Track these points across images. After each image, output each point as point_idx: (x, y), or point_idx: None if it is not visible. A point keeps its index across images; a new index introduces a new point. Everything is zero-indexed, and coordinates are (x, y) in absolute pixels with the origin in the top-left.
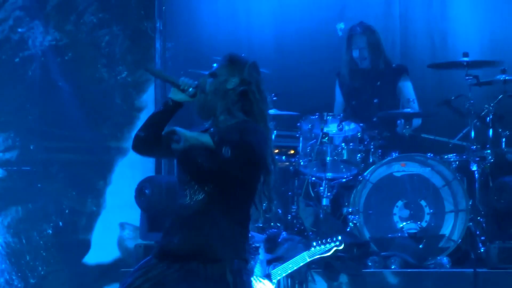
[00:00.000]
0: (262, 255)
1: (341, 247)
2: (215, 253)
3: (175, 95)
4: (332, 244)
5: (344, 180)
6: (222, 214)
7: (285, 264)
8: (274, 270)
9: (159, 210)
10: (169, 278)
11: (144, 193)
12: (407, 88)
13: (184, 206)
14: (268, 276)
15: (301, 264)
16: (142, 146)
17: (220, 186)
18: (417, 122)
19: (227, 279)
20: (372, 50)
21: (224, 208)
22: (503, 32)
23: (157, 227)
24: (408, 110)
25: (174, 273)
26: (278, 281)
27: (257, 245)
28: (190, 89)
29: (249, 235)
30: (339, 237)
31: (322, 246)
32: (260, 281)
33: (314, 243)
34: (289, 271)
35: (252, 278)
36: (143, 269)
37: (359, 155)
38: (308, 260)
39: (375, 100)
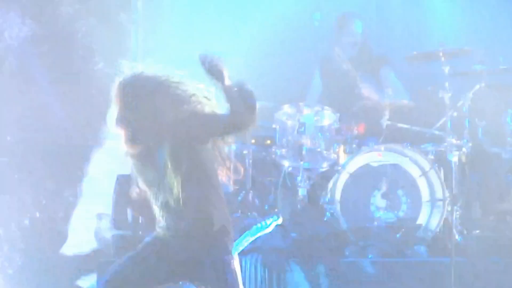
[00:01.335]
0: None
1: (279, 221)
2: (199, 246)
3: None
4: (271, 219)
5: (321, 170)
6: (195, 206)
7: None
8: None
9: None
10: (159, 273)
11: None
12: (388, 77)
13: (169, 203)
14: None
15: (245, 244)
16: None
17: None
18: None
19: (217, 266)
20: (364, 38)
21: (195, 200)
22: (480, 20)
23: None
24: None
25: (162, 267)
26: (256, 272)
27: None
28: None
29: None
30: (277, 213)
31: (262, 223)
32: None
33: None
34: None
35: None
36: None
37: (336, 145)
38: (251, 238)
39: (356, 90)
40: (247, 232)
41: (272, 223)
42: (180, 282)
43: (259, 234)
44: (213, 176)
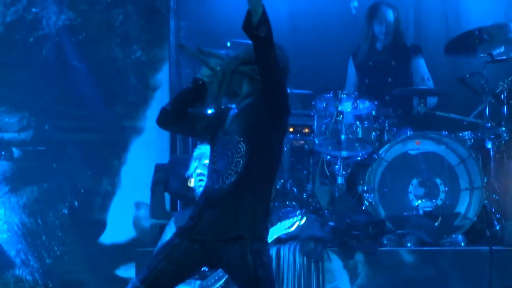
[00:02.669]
0: None
1: (302, 221)
2: (237, 233)
3: (205, 72)
4: (294, 219)
5: (359, 158)
6: (251, 195)
7: None
8: None
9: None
10: (192, 257)
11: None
12: (421, 66)
13: (215, 189)
14: None
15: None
16: (167, 119)
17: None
18: (432, 100)
19: (247, 259)
20: (396, 26)
21: (251, 190)
22: None
23: (172, 206)
24: (423, 87)
25: (196, 251)
26: (294, 260)
27: None
28: (218, 68)
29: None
30: (302, 211)
31: (284, 222)
32: None
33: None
34: None
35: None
36: (166, 251)
37: (373, 133)
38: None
39: (389, 79)
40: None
41: (295, 223)
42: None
43: (281, 233)
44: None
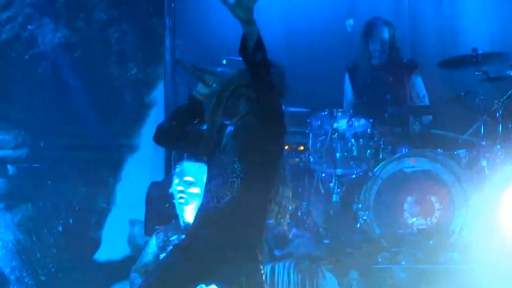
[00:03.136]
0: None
1: None
2: (232, 253)
3: (201, 89)
4: None
5: (354, 176)
6: (245, 215)
7: None
8: None
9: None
10: (187, 276)
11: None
12: (418, 83)
13: (210, 208)
14: None
15: None
16: (164, 137)
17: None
18: (427, 118)
19: (241, 279)
20: (392, 44)
21: (247, 210)
22: None
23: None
24: (418, 104)
25: (191, 269)
26: (289, 278)
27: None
28: (215, 85)
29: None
30: None
31: None
32: None
33: None
34: None
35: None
36: (161, 269)
37: (369, 151)
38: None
39: (388, 96)
40: None
41: None
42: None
43: None
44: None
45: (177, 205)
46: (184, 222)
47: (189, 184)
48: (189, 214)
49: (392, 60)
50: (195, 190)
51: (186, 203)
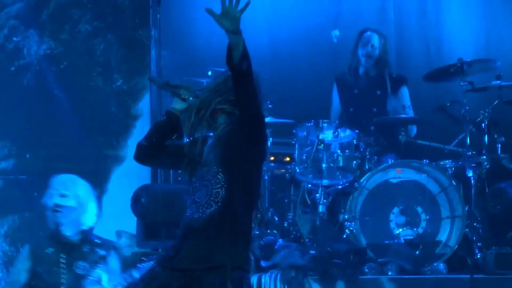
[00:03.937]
0: (112, 264)
1: None
2: (217, 262)
3: (177, 104)
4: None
5: (340, 187)
6: (231, 224)
7: None
8: None
9: (155, 218)
10: (173, 286)
11: (140, 201)
12: (404, 95)
13: (195, 219)
14: None
15: None
16: (145, 155)
17: (231, 192)
18: (413, 128)
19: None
20: (382, 54)
21: (232, 219)
22: (498, 38)
23: (154, 235)
24: (403, 116)
25: (177, 280)
26: None
27: (103, 253)
28: (191, 98)
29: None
30: None
31: None
32: None
33: None
34: None
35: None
36: (147, 280)
37: (355, 161)
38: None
39: (374, 109)
40: None
41: None
42: None
43: None
44: None
45: (51, 218)
46: (61, 235)
47: (64, 197)
48: (66, 227)
49: (380, 73)
50: (70, 202)
51: (62, 216)
